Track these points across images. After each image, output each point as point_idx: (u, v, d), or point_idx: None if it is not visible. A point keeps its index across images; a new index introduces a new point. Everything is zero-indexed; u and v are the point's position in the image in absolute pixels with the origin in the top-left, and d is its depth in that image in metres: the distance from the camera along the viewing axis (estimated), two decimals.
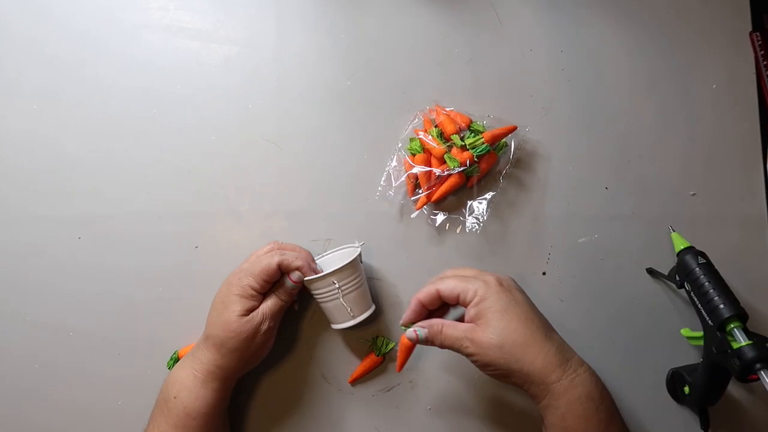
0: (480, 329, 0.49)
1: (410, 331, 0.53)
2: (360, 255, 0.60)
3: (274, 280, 0.57)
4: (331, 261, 0.62)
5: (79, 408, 0.62)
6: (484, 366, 0.49)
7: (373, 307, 0.60)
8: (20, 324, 0.63)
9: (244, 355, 0.55)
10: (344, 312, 0.58)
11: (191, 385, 0.54)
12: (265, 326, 0.55)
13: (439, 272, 0.64)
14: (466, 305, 0.51)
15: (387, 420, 0.62)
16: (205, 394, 0.54)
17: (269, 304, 0.56)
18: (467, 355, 0.50)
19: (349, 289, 0.58)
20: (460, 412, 0.62)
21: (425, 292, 0.54)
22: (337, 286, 0.57)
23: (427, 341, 0.52)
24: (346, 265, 0.57)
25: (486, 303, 0.49)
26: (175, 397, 0.54)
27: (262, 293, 0.57)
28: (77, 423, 0.62)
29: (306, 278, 0.58)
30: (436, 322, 0.52)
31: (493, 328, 0.48)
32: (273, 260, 0.56)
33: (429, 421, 0.62)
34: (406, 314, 0.55)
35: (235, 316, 0.54)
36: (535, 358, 0.47)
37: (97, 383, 0.62)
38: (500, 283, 0.51)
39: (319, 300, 0.59)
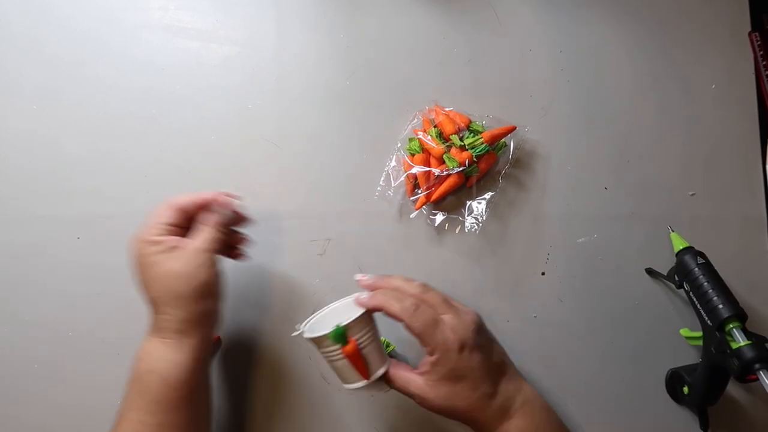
0: (430, 390, 0.51)
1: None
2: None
3: (170, 222, 0.52)
4: (338, 312, 0.55)
5: (79, 408, 0.62)
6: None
7: (388, 363, 0.53)
8: (20, 324, 0.63)
9: (198, 295, 0.50)
10: (354, 372, 0.52)
11: (164, 354, 0.49)
12: (202, 256, 0.51)
13: (438, 272, 0.64)
14: (425, 349, 0.52)
15: (387, 420, 0.62)
16: (181, 358, 0.49)
17: (203, 238, 0.52)
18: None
19: (361, 346, 0.51)
20: None
21: (384, 304, 0.52)
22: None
23: None
24: (356, 319, 0.51)
25: (441, 367, 0.50)
26: (149, 371, 0.49)
27: (177, 226, 0.53)
28: (77, 423, 0.62)
29: (310, 336, 0.52)
30: (393, 363, 0.53)
31: (444, 394, 0.51)
32: (161, 205, 0.53)
33: (429, 421, 0.62)
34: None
35: (162, 264, 0.50)
36: (479, 417, 0.51)
37: (97, 383, 0.62)
38: (461, 348, 0.50)
39: (327, 359, 0.53)
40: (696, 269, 0.57)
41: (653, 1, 0.70)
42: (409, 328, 0.51)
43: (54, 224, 0.65)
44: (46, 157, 0.66)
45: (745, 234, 0.65)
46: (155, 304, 0.51)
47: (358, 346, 0.51)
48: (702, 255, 0.58)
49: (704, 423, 0.59)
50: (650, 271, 0.64)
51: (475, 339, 0.52)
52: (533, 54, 0.69)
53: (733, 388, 0.62)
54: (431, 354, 0.51)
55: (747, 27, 0.69)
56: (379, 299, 0.52)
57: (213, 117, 0.67)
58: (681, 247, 0.60)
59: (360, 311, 0.52)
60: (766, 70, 0.68)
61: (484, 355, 0.52)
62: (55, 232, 0.65)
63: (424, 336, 0.51)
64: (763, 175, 0.67)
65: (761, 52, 0.68)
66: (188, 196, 0.54)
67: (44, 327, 0.63)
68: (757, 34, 0.68)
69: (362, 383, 0.52)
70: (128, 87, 0.68)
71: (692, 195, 0.66)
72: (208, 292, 0.51)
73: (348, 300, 0.55)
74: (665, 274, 0.62)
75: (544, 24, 0.70)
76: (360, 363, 0.51)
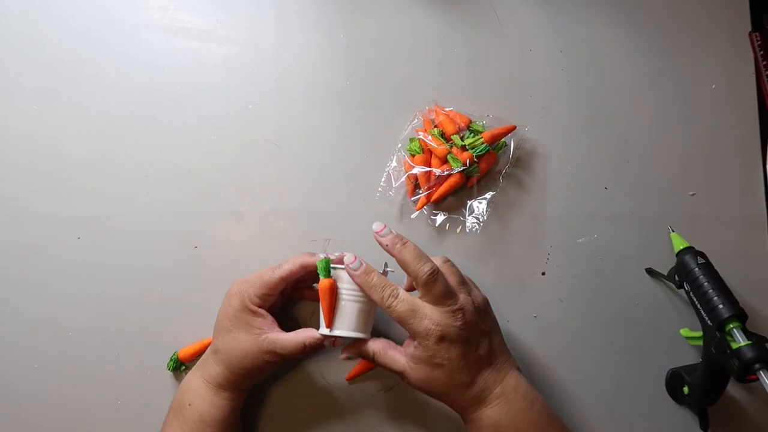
0: (410, 371, 0.52)
1: (342, 357, 0.56)
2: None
3: (275, 292, 0.57)
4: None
5: (79, 408, 0.62)
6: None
7: (365, 336, 0.55)
8: (20, 324, 0.63)
9: (249, 373, 0.55)
10: (322, 316, 0.55)
11: (204, 393, 0.55)
12: (269, 357, 0.54)
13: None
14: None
15: (387, 420, 0.62)
16: (219, 402, 0.55)
17: (282, 339, 0.55)
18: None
19: (351, 298, 0.54)
20: None
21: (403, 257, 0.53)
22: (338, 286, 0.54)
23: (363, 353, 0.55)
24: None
25: (420, 354, 0.51)
26: (189, 405, 0.55)
27: (265, 307, 0.56)
28: (77, 423, 0.62)
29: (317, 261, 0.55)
30: (368, 349, 0.55)
31: (421, 377, 0.52)
32: (275, 274, 0.55)
33: (429, 421, 0.62)
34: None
35: (239, 334, 0.54)
36: (454, 401, 0.53)
37: (97, 383, 0.62)
38: (440, 340, 0.51)
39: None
40: (696, 269, 0.57)
41: (653, 1, 0.70)
42: (386, 313, 0.53)
43: (54, 224, 0.65)
44: (46, 157, 0.66)
45: (745, 234, 0.65)
46: (215, 351, 0.56)
47: (337, 292, 0.54)
48: (702, 255, 0.58)
49: (704, 423, 0.59)
50: (650, 271, 0.64)
51: (459, 333, 0.51)
52: (533, 54, 0.69)
53: (733, 388, 0.62)
54: (412, 339, 0.52)
55: (747, 27, 0.69)
56: (361, 276, 0.53)
57: (213, 117, 0.67)
58: (681, 247, 0.60)
59: None
60: (766, 70, 0.68)
61: (467, 347, 0.52)
62: (55, 232, 0.65)
63: (401, 323, 0.52)
64: (763, 175, 0.67)
65: (761, 52, 0.68)
66: (308, 260, 0.56)
67: (44, 327, 0.63)
68: (757, 34, 0.68)
69: (324, 331, 0.54)
70: (128, 87, 0.68)
71: (692, 195, 0.66)
72: (258, 376, 0.57)
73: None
74: (665, 274, 0.62)
75: (544, 24, 0.70)
76: (328, 306, 0.54)
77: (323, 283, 0.54)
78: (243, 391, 0.57)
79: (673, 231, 0.63)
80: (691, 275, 0.57)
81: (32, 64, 0.68)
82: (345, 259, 0.54)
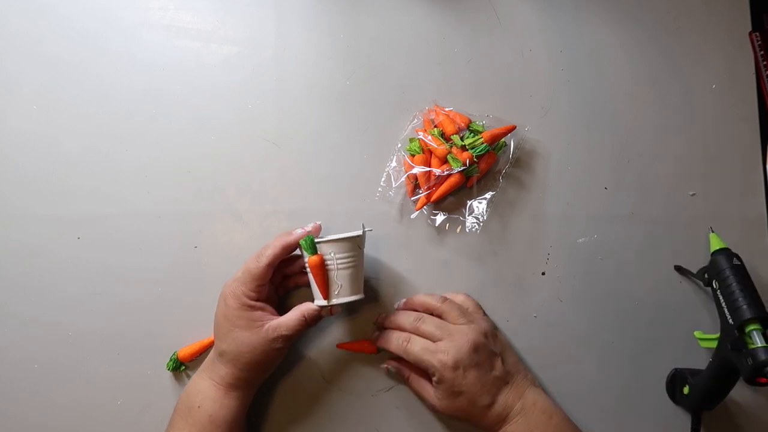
0: (437, 402, 0.57)
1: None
2: (362, 238, 0.58)
3: (266, 281, 0.57)
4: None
5: (79, 408, 0.62)
6: None
7: (360, 296, 0.58)
8: (20, 324, 0.63)
9: (261, 366, 0.56)
10: (317, 289, 0.56)
11: (214, 395, 0.55)
12: (278, 344, 0.55)
13: (439, 272, 0.64)
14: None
15: (387, 420, 0.62)
16: (229, 402, 0.56)
17: (284, 320, 0.56)
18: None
19: (339, 266, 0.56)
20: None
21: (384, 345, 0.60)
22: (325, 258, 0.56)
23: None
24: (340, 238, 0.56)
25: (441, 385, 0.55)
26: (198, 407, 0.55)
27: (261, 299, 0.57)
28: (77, 423, 0.62)
29: (300, 240, 0.56)
30: (405, 369, 0.60)
31: (446, 406, 0.56)
32: (260, 263, 0.56)
33: (429, 421, 0.62)
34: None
35: (243, 332, 0.55)
36: (479, 422, 0.56)
37: (97, 383, 0.62)
38: (455, 368, 0.54)
39: (306, 270, 0.57)
40: (728, 269, 0.56)
41: (653, 1, 0.70)
42: (406, 359, 0.58)
43: (54, 224, 0.65)
44: (46, 157, 0.66)
45: (746, 234, 0.65)
46: (221, 354, 0.56)
47: (326, 265, 0.56)
48: (738, 257, 0.58)
49: (696, 427, 0.59)
50: (679, 269, 0.64)
51: (471, 357, 0.55)
52: (533, 54, 0.69)
53: (731, 400, 0.62)
54: (432, 375, 0.56)
55: (747, 27, 0.69)
56: (380, 340, 0.60)
57: (213, 117, 0.67)
58: (717, 248, 0.60)
59: (342, 235, 0.56)
60: (766, 70, 0.68)
61: (482, 371, 0.55)
62: (55, 232, 0.65)
63: (419, 363, 0.56)
64: (763, 175, 0.67)
65: (761, 52, 0.68)
66: (287, 239, 0.57)
67: (44, 327, 0.63)
68: (757, 34, 0.68)
69: (322, 302, 0.56)
70: (128, 87, 0.68)
71: (692, 195, 0.66)
72: (269, 368, 0.58)
73: (349, 232, 0.58)
74: (694, 272, 0.62)
75: (544, 24, 0.70)
76: (321, 280, 0.56)
77: (312, 260, 0.56)
78: (253, 388, 0.58)
79: (713, 231, 0.63)
80: (722, 273, 0.57)
81: (32, 64, 0.68)
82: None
